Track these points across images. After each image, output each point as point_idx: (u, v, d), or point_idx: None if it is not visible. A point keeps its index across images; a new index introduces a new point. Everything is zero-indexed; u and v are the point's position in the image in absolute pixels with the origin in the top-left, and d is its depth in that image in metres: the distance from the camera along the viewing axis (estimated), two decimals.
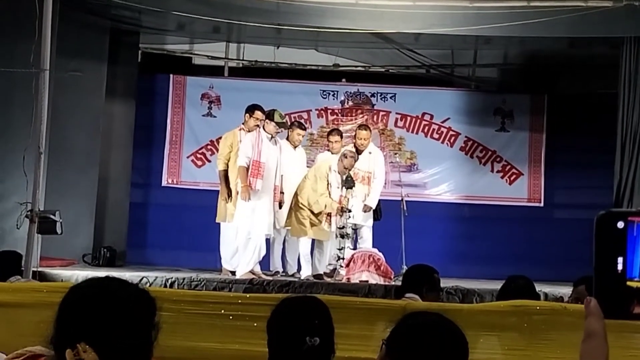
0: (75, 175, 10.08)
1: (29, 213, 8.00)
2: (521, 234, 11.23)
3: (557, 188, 11.50)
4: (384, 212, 9.54)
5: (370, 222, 9.39)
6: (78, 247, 9.96)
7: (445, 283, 6.17)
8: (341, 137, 9.62)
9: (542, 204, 11.43)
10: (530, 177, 11.48)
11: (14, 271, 6.47)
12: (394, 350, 2.04)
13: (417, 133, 11.55)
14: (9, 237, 8.86)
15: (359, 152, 9.29)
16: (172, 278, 8.23)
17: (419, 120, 11.55)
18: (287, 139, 9.41)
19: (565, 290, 7.19)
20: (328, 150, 9.61)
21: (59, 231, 8.38)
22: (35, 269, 7.68)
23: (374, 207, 9.33)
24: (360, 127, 9.78)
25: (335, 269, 8.87)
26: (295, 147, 9.42)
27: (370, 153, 9.42)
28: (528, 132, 11.54)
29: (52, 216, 8.22)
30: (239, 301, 3.92)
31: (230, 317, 3.79)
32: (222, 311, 3.83)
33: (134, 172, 11.22)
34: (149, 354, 1.93)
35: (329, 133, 9.84)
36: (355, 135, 9.66)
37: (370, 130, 9.74)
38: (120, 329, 1.88)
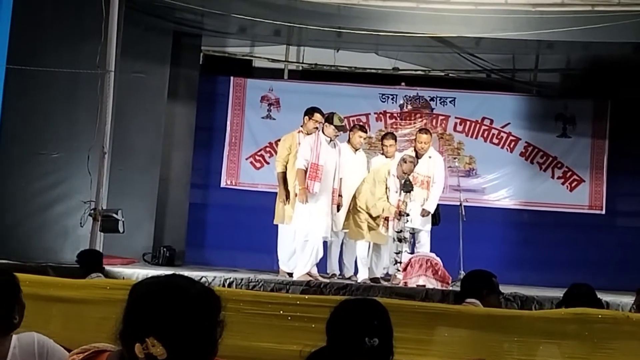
0: (137, 175, 10.18)
1: (92, 211, 8.13)
2: (581, 242, 11.06)
3: (620, 195, 11.31)
4: (442, 217, 9.48)
5: (429, 226, 9.35)
6: (139, 245, 10.05)
7: (503, 289, 6.07)
8: (395, 140, 9.61)
9: (603, 212, 11.24)
10: (591, 184, 11.30)
11: (96, 269, 6.65)
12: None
13: (476, 138, 11.47)
14: (73, 234, 9.03)
15: (418, 156, 9.25)
16: (230, 278, 8.25)
17: (478, 125, 11.46)
18: (348, 141, 9.40)
19: (627, 300, 7.15)
20: (383, 154, 9.60)
21: (120, 230, 8.50)
22: None
23: (432, 212, 9.28)
24: (420, 130, 9.73)
25: (391, 272, 8.83)
26: (355, 151, 9.41)
27: (430, 157, 9.37)
28: (590, 138, 11.35)
29: (114, 215, 8.34)
30: (297, 302, 3.94)
31: (289, 318, 3.80)
32: (281, 312, 3.84)
33: (193, 172, 11.29)
34: (215, 350, 1.95)
35: (383, 137, 9.84)
36: (415, 139, 9.62)
37: (431, 134, 9.69)
38: (187, 325, 1.90)
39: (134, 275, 8.07)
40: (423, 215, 9.24)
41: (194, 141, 11.26)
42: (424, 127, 10.42)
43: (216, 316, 1.96)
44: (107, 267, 8.27)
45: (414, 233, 9.26)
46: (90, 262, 6.81)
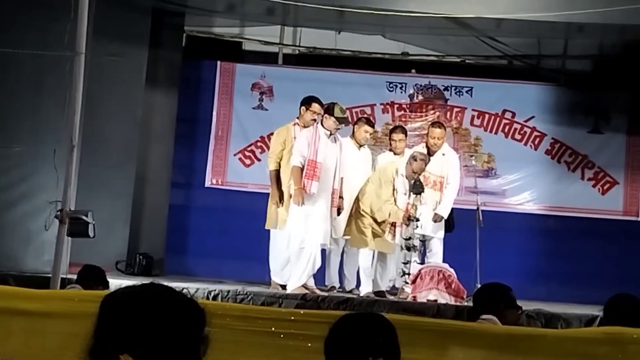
0: (110, 172, 10.20)
1: (58, 213, 8.09)
2: (615, 252, 11.10)
3: None
4: (456, 223, 9.51)
5: (441, 233, 9.36)
6: (111, 252, 10.07)
7: (526, 305, 6.08)
8: (405, 135, 9.63)
9: (639, 218, 11.28)
10: (626, 187, 11.34)
11: (100, 285, 6.70)
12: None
13: (496, 133, 11.50)
14: (36, 239, 9.03)
15: (430, 153, 9.27)
16: (215, 290, 8.31)
17: (498, 119, 11.49)
18: (352, 136, 9.42)
19: None
20: (390, 150, 9.62)
21: (91, 234, 8.46)
22: (64, 276, 7.79)
23: (445, 217, 9.30)
24: (433, 124, 9.74)
25: (398, 285, 8.86)
26: (359, 146, 9.43)
27: (443, 155, 9.38)
28: (625, 134, 11.39)
29: (84, 217, 8.31)
30: (292, 318, 3.95)
31: (282, 336, 3.80)
32: (273, 329, 3.84)
33: (174, 170, 11.31)
34: None
35: (392, 131, 9.85)
36: (427, 133, 9.64)
37: (445, 129, 9.69)
38: (167, 341, 1.90)
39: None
40: (435, 221, 9.25)
41: (175, 134, 11.27)
42: (437, 121, 10.44)
43: (199, 332, 1.96)
44: (75, 277, 8.30)
45: (424, 241, 9.29)
46: (92, 278, 6.87)
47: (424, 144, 9.49)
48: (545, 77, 11.74)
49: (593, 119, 11.39)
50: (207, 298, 8.07)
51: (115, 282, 8.19)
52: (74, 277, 8.13)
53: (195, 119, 11.62)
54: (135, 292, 1.98)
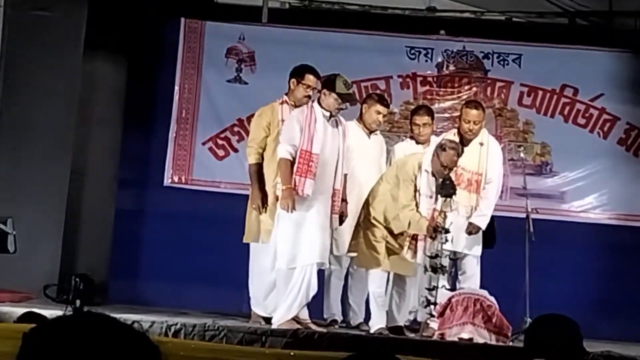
0: (37, 166, 10.21)
1: None
2: None
3: None
4: (498, 235, 9.54)
5: (478, 249, 9.38)
6: (38, 273, 10.06)
7: (590, 346, 6.07)
8: (432, 118, 9.65)
9: None
10: None
11: None
12: None
13: (552, 116, 11.49)
14: None
15: (464, 142, 9.26)
16: (176, 324, 8.31)
17: (555, 97, 11.48)
18: (360, 119, 9.45)
19: None
20: (411, 138, 9.65)
21: (10, 249, 8.50)
22: None
23: (483, 228, 9.31)
24: (468, 104, 9.72)
25: (420, 318, 8.86)
26: (370, 133, 9.46)
27: (481, 144, 9.40)
28: None
29: (1, 226, 8.33)
30: None
31: None
32: None
33: (123, 163, 11.31)
34: None
35: (414, 112, 9.88)
36: (460, 116, 9.62)
37: (484, 110, 9.69)
38: None
39: None
40: (470, 233, 9.27)
41: (123, 116, 11.26)
42: (474, 99, 10.40)
43: None
44: None
45: (456, 259, 9.30)
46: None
47: (456, 131, 9.50)
48: (619, 42, 11.68)
49: None
50: (166, 334, 8.06)
51: (43, 314, 8.21)
52: None
53: (151, 97, 11.62)
54: (65, 325, 1.96)
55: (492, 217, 9.42)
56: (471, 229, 9.27)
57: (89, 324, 1.97)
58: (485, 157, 9.37)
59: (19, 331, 2.17)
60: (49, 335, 1.95)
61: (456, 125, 9.69)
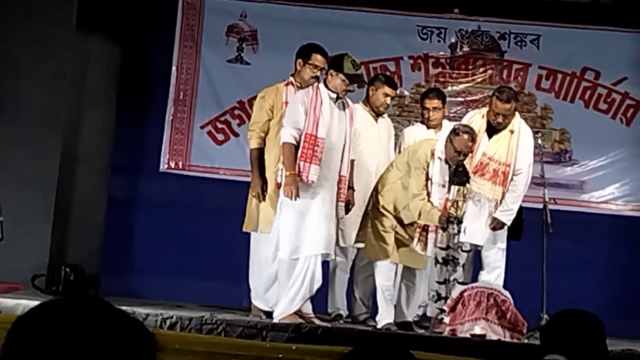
0: (25, 150, 10.28)
1: None
2: None
3: None
4: None
5: (503, 241, 9.33)
6: (27, 263, 10.10)
7: (609, 344, 6.08)
8: (444, 101, 9.72)
9: None
10: None
11: None
12: None
13: (572, 101, 11.52)
14: None
15: (492, 130, 9.15)
16: (172, 317, 8.33)
17: (576, 81, 11.51)
18: (367, 101, 9.50)
19: None
20: (422, 122, 9.70)
21: None
22: None
23: (508, 224, 9.28)
24: (500, 94, 9.24)
25: (430, 313, 8.93)
26: (378, 116, 9.51)
27: (512, 132, 9.28)
28: None
29: None
30: (280, 356, 3.83)
31: None
32: None
33: (116, 148, 11.41)
34: None
35: (424, 95, 9.93)
36: (491, 103, 9.31)
37: (517, 101, 9.52)
38: None
39: (18, 309, 8.11)
40: (494, 229, 9.26)
41: (117, 98, 11.36)
42: (506, 87, 9.94)
43: None
44: None
45: (469, 251, 9.25)
46: None
47: (485, 112, 9.35)
48: None
49: None
50: (161, 328, 8.08)
51: (32, 305, 8.12)
52: None
53: (147, 77, 11.71)
54: (55, 310, 1.98)
55: (520, 208, 9.38)
56: (495, 225, 9.24)
57: (81, 308, 1.99)
58: (515, 146, 9.29)
59: (7, 320, 2.23)
60: (39, 318, 1.97)
61: (471, 108, 9.78)
